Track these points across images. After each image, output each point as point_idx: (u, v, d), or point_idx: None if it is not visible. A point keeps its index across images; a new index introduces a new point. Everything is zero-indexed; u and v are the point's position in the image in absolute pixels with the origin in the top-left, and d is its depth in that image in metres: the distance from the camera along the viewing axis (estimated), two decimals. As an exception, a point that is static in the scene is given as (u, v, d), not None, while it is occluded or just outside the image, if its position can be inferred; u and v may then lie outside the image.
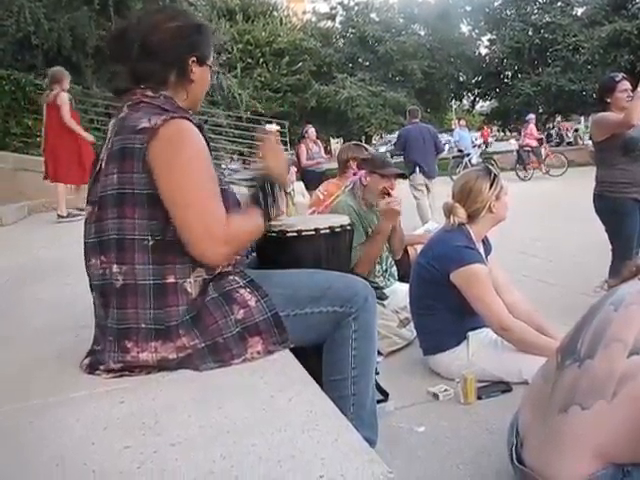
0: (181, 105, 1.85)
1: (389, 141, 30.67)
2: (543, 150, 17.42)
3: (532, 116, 18.64)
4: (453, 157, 18.76)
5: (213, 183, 1.73)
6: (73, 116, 6.81)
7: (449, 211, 3.18)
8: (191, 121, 1.74)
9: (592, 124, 4.20)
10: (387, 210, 3.65)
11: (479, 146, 19.11)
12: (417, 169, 8.73)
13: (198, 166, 1.70)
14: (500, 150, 25.38)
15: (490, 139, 28.22)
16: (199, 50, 1.88)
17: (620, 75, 4.19)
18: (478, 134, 26.95)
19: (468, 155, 17.64)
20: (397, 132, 13.20)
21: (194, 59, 1.86)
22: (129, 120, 1.74)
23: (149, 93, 1.80)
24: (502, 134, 36.73)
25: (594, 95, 4.51)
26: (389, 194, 3.80)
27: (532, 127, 17.65)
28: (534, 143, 17.22)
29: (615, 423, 1.66)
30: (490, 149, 25.21)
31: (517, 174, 16.69)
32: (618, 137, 4.03)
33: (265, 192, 1.87)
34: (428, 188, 8.89)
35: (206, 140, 1.82)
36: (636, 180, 4.11)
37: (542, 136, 18.88)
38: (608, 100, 4.09)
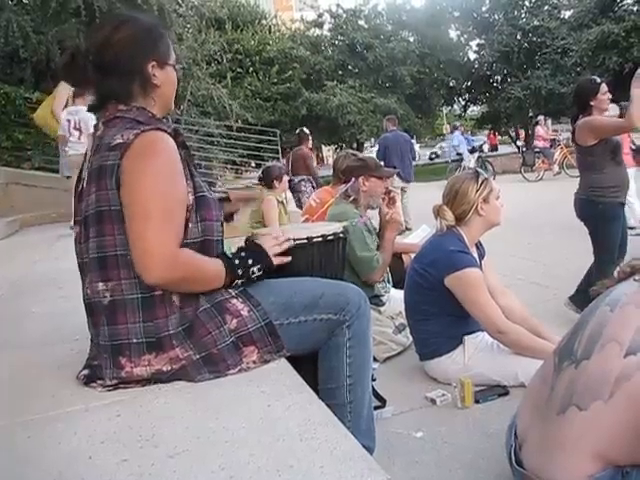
0: (154, 112, 1.83)
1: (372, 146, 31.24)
2: (559, 151, 16.98)
3: (541, 117, 18.61)
4: (452, 161, 18.81)
5: (176, 202, 1.69)
6: None
7: (437, 213, 3.21)
8: (165, 131, 1.72)
9: (582, 128, 4.06)
10: (390, 221, 3.86)
11: (475, 149, 19.04)
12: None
13: (161, 181, 1.65)
14: (494, 154, 25.49)
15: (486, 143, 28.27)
16: (156, 53, 1.82)
17: (598, 78, 4.21)
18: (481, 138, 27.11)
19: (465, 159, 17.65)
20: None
21: (153, 64, 1.80)
22: (105, 138, 1.72)
23: (121, 107, 1.77)
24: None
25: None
26: (389, 193, 3.98)
27: (540, 128, 17.59)
28: (542, 144, 17.16)
29: (612, 424, 1.66)
30: (484, 152, 25.24)
31: (523, 176, 16.75)
32: (609, 141, 4.02)
33: (244, 256, 1.85)
34: (404, 190, 9.88)
35: (184, 145, 1.81)
36: (622, 184, 4.14)
37: (555, 137, 18.75)
38: (592, 103, 4.07)
